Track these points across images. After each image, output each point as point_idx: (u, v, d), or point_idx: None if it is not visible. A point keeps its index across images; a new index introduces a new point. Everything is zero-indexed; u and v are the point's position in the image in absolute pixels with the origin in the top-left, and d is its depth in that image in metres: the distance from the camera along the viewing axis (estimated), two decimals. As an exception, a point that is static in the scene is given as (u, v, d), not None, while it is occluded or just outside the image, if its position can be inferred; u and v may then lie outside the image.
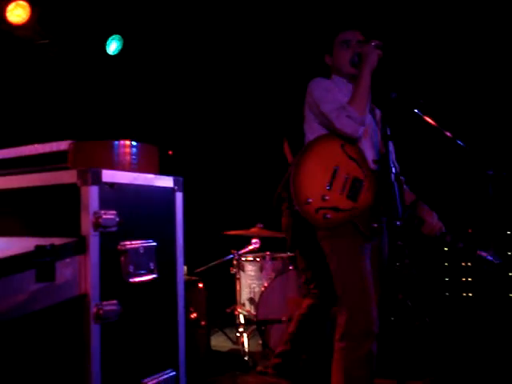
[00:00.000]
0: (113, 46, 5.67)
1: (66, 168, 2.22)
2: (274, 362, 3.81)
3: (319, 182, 2.85)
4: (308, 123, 3.11)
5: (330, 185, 2.84)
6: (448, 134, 3.13)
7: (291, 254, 4.88)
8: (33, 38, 5.23)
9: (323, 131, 3.01)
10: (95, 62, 5.72)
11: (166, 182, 2.49)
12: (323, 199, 2.81)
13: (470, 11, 5.37)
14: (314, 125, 3.06)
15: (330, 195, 2.83)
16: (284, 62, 6.15)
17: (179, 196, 2.55)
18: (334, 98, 2.98)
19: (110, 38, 5.66)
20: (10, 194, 2.35)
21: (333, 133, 2.96)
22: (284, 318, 4.51)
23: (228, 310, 5.04)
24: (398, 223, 2.88)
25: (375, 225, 2.89)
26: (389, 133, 3.07)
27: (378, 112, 3.23)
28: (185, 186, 2.61)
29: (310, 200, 2.80)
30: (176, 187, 2.53)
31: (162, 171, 2.55)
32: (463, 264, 5.52)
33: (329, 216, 2.81)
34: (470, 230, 4.75)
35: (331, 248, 2.98)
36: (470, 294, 5.48)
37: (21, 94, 5.25)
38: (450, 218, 5.30)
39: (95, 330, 2.05)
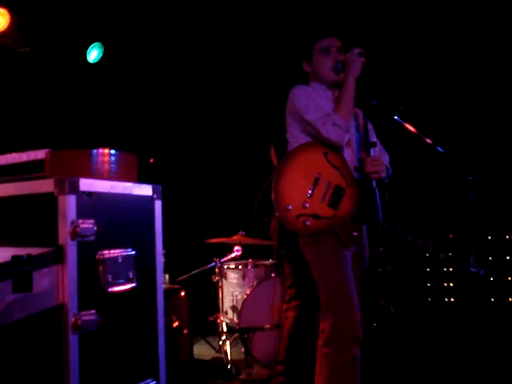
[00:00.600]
0: (93, 54, 5.64)
1: (43, 177, 2.20)
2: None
3: (300, 190, 2.86)
4: (290, 130, 3.12)
5: (311, 192, 2.85)
6: (428, 140, 3.15)
7: (274, 262, 4.87)
8: (13, 45, 5.19)
9: (306, 138, 3.02)
10: (75, 70, 5.69)
11: (145, 190, 2.48)
12: (303, 206, 2.83)
13: (448, 17, 5.43)
14: (296, 132, 3.07)
15: (311, 202, 2.84)
16: (269, 68, 6.17)
17: (158, 204, 2.53)
18: (317, 106, 3.00)
19: (91, 46, 5.64)
20: (-14, 204, 2.33)
21: (316, 140, 2.98)
22: (267, 326, 4.50)
23: (210, 318, 5.02)
24: (379, 230, 2.90)
25: (355, 233, 2.91)
26: (371, 139, 3.09)
27: (360, 115, 3.23)
28: (166, 193, 2.60)
29: (290, 207, 2.81)
30: (155, 195, 2.52)
31: (143, 179, 2.54)
32: (445, 269, 5.56)
33: (308, 223, 2.82)
34: (450, 236, 4.78)
35: (313, 255, 2.99)
36: (452, 299, 5.52)
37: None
38: (430, 223, 5.35)
39: (73, 340, 2.03)
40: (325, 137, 2.91)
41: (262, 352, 4.51)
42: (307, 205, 2.84)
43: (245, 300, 4.60)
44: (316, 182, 2.88)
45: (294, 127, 3.08)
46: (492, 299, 5.30)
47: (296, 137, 3.07)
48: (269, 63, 6.14)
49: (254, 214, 4.16)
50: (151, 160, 4.84)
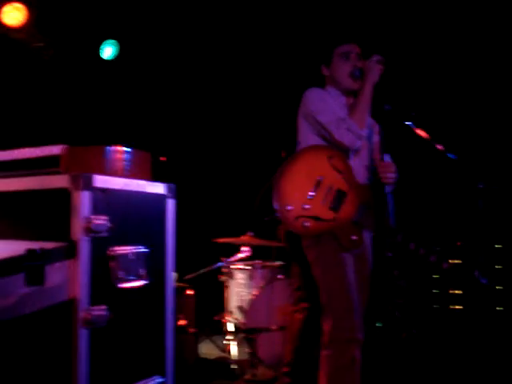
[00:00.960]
0: (108, 51, 5.66)
1: (58, 172, 2.22)
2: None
3: (301, 191, 2.88)
4: (302, 133, 3.13)
5: (312, 194, 2.87)
6: (439, 146, 3.15)
7: (281, 263, 4.88)
8: (28, 40, 5.22)
9: (316, 141, 3.03)
10: (90, 66, 5.72)
11: (158, 188, 2.50)
12: (303, 208, 2.84)
13: (465, 27, 5.42)
14: (308, 134, 3.08)
15: (311, 204, 2.85)
16: (282, 70, 6.17)
17: (171, 203, 2.55)
18: (331, 109, 3.02)
19: (105, 43, 5.66)
20: (1, 197, 2.35)
21: (323, 143, 3.00)
22: (272, 327, 4.50)
23: (216, 318, 5.02)
24: (387, 235, 2.91)
25: (355, 237, 2.92)
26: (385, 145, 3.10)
27: (376, 125, 3.24)
28: (176, 192, 2.61)
29: (290, 207, 2.83)
30: (168, 194, 2.54)
31: (153, 177, 2.56)
32: (451, 277, 5.54)
33: (307, 224, 2.84)
34: (458, 243, 4.77)
35: (314, 257, 3.00)
36: (458, 307, 5.50)
37: (14, 97, 5.24)
38: (438, 229, 5.34)
39: (83, 334, 2.05)
40: (338, 140, 2.93)
41: (267, 353, 4.52)
42: (307, 206, 2.85)
43: (251, 301, 4.61)
44: (318, 184, 2.89)
45: (307, 129, 3.09)
46: (498, 308, 5.28)
47: (306, 139, 3.08)
48: (284, 65, 6.15)
49: (254, 213, 4.17)
50: (163, 158, 4.85)
